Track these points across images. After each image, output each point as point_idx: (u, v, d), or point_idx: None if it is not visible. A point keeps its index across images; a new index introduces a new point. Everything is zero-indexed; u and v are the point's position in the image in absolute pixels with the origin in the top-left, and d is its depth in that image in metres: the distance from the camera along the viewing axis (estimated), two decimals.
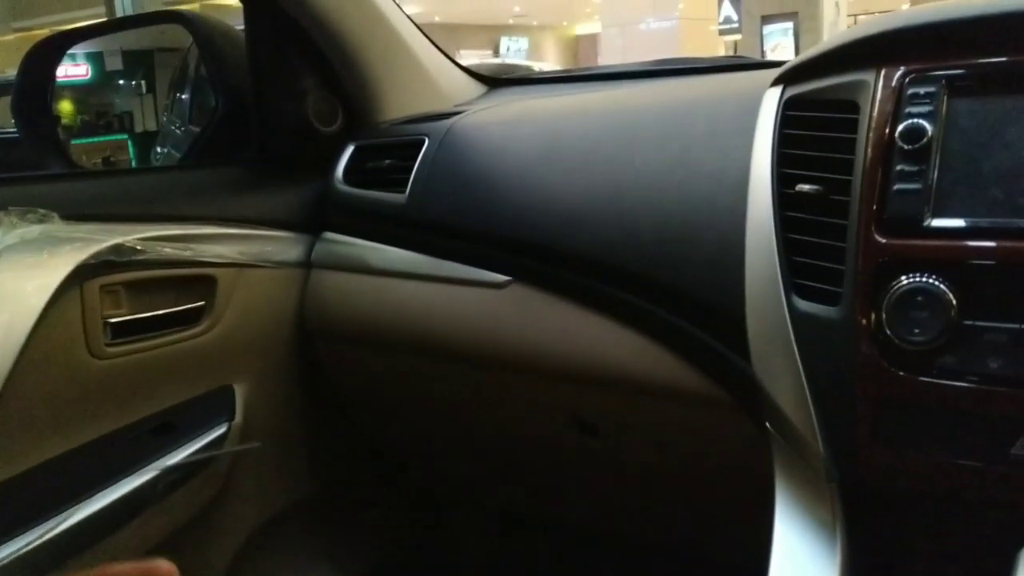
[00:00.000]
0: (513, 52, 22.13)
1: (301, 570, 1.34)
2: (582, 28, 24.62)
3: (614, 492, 1.17)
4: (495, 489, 1.39)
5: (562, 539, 1.53)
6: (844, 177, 0.77)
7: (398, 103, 1.31)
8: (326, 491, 1.37)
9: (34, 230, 0.94)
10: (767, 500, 0.80)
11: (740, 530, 0.93)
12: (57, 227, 0.96)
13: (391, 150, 1.22)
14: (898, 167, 0.74)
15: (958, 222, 0.71)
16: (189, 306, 1.08)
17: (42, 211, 0.95)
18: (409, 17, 1.36)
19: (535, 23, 23.90)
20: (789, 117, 0.85)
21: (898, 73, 0.77)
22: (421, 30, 1.39)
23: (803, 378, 0.76)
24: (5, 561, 0.86)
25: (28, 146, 1.45)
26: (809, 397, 0.76)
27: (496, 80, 1.54)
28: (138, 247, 1.01)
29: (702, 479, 1.02)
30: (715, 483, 1.01)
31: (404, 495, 1.50)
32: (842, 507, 0.75)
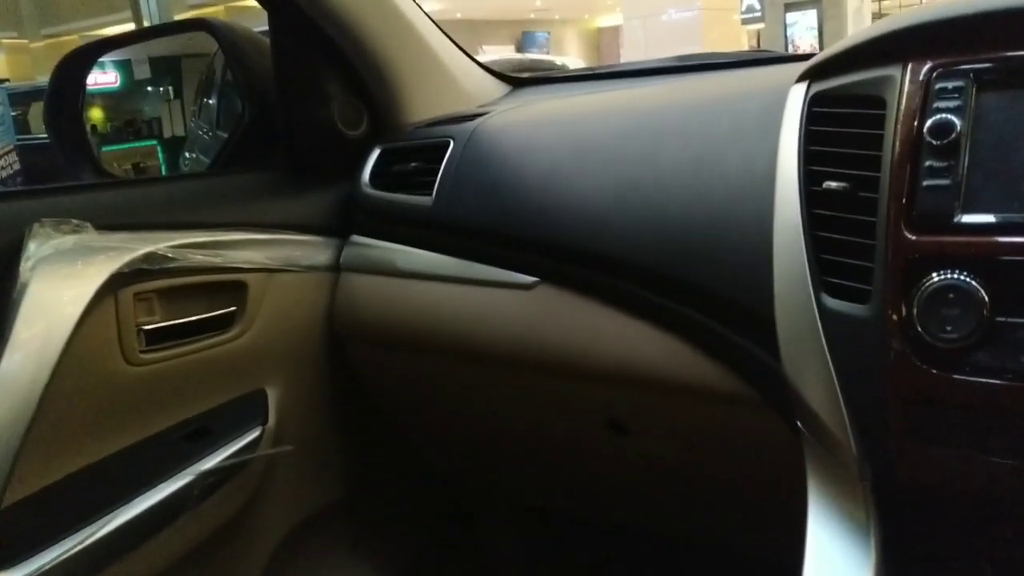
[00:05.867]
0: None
1: (337, 571, 1.36)
2: (604, 20, 24.53)
3: (646, 491, 1.17)
4: (527, 488, 1.40)
5: (594, 537, 1.54)
6: (872, 174, 0.77)
7: (423, 105, 1.32)
8: (359, 492, 1.38)
9: (68, 241, 0.95)
10: (800, 499, 0.79)
11: (773, 529, 0.93)
12: (91, 237, 0.97)
13: (416, 153, 1.23)
14: (927, 163, 0.73)
15: (989, 218, 0.70)
16: (221, 312, 1.10)
17: (76, 222, 0.97)
18: (431, 17, 1.36)
19: (556, 17, 23.86)
20: (815, 114, 0.84)
21: (925, 68, 0.76)
22: (443, 31, 1.39)
23: (834, 376, 0.76)
24: (47, 567, 0.88)
25: (60, 154, 1.47)
26: (840, 395, 0.76)
27: (519, 80, 1.54)
28: (169, 255, 1.02)
29: (733, 478, 1.02)
30: (747, 482, 1.01)
31: (436, 495, 1.51)
32: (875, 506, 0.75)
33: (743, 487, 1.02)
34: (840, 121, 0.82)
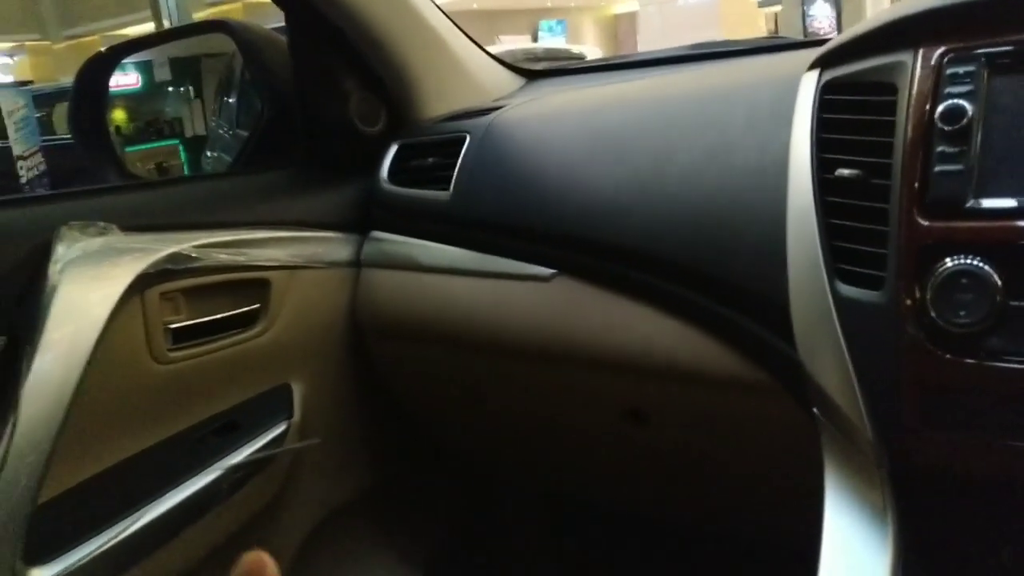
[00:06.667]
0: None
1: (364, 560, 1.38)
2: (620, 7, 24.38)
3: (664, 480, 1.18)
4: (547, 478, 1.41)
5: (612, 527, 1.55)
6: (884, 160, 0.77)
7: (439, 100, 1.33)
8: (384, 484, 1.40)
9: (95, 243, 0.97)
10: (817, 486, 0.80)
11: (790, 516, 0.93)
12: (117, 239, 0.99)
13: (434, 148, 1.24)
14: (939, 148, 0.73)
15: (1001, 203, 0.70)
16: (245, 309, 1.11)
17: (102, 224, 0.99)
18: (445, 13, 1.37)
19: (572, 4, 23.73)
20: (827, 101, 0.84)
21: (936, 53, 0.76)
22: (457, 25, 1.40)
23: (849, 363, 0.77)
24: (81, 563, 0.90)
25: (85, 156, 1.50)
26: (855, 382, 0.76)
27: (534, 72, 1.55)
28: (194, 254, 1.04)
29: (751, 466, 1.03)
30: (764, 469, 1.01)
31: (458, 485, 1.53)
32: (892, 492, 0.75)
33: (760, 475, 1.03)
34: (852, 108, 0.82)
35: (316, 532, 1.28)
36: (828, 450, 0.80)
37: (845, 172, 0.80)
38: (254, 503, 1.14)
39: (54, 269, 0.93)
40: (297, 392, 1.18)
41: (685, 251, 0.93)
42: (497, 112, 1.22)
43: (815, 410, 0.82)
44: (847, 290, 0.77)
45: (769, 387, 0.88)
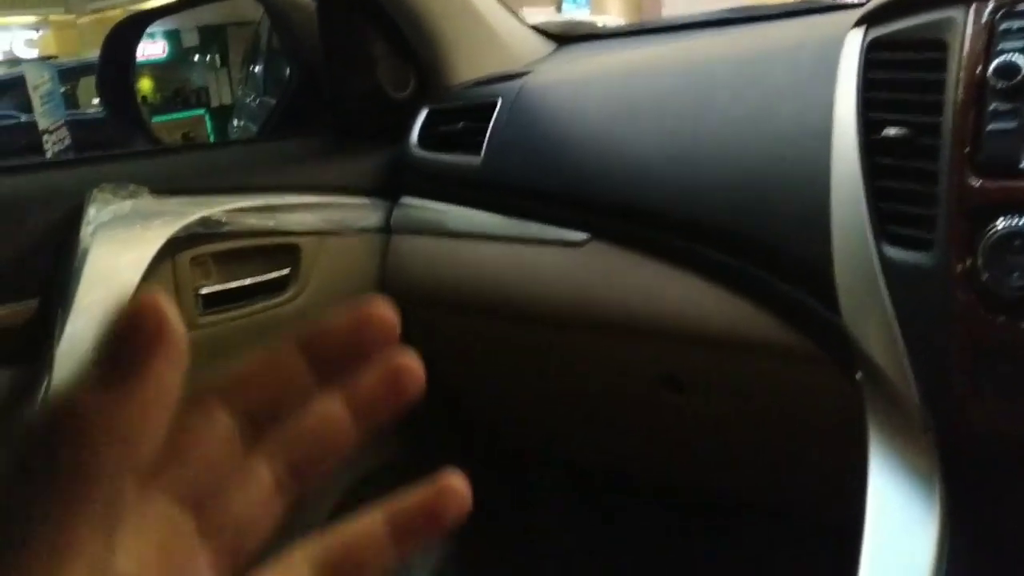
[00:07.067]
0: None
1: None
2: None
3: (699, 450, 1.16)
4: (579, 448, 1.40)
5: (644, 499, 1.54)
6: (933, 119, 0.75)
7: (468, 65, 1.31)
8: (412, 453, 1.40)
9: (126, 205, 0.97)
10: (857, 453, 0.79)
11: (830, 486, 0.92)
12: (147, 202, 0.99)
13: (464, 113, 1.22)
14: (991, 106, 0.71)
15: None
16: (275, 275, 1.11)
17: (132, 187, 0.99)
18: None
19: None
20: (873, 60, 0.82)
21: (988, 8, 0.74)
22: None
23: (896, 327, 0.75)
24: None
25: (114, 125, 1.50)
26: (903, 346, 0.75)
27: (564, 38, 1.53)
28: (224, 219, 1.04)
29: (790, 434, 1.01)
30: (803, 438, 1.00)
31: (488, 455, 1.52)
32: (940, 456, 0.74)
33: (799, 444, 1.01)
34: (899, 66, 0.80)
35: (345, 501, 1.28)
36: (872, 417, 0.79)
37: (892, 132, 0.77)
38: None
39: (86, 231, 0.93)
40: None
41: (723, 214, 0.91)
42: (528, 76, 1.20)
43: (859, 376, 0.80)
44: (895, 253, 0.76)
45: (808, 353, 0.87)
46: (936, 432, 0.74)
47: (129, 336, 0.23)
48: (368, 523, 0.30)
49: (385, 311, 0.30)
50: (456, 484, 0.31)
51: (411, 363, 0.31)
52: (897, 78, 0.80)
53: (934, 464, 0.74)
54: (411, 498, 0.30)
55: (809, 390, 0.91)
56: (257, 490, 0.29)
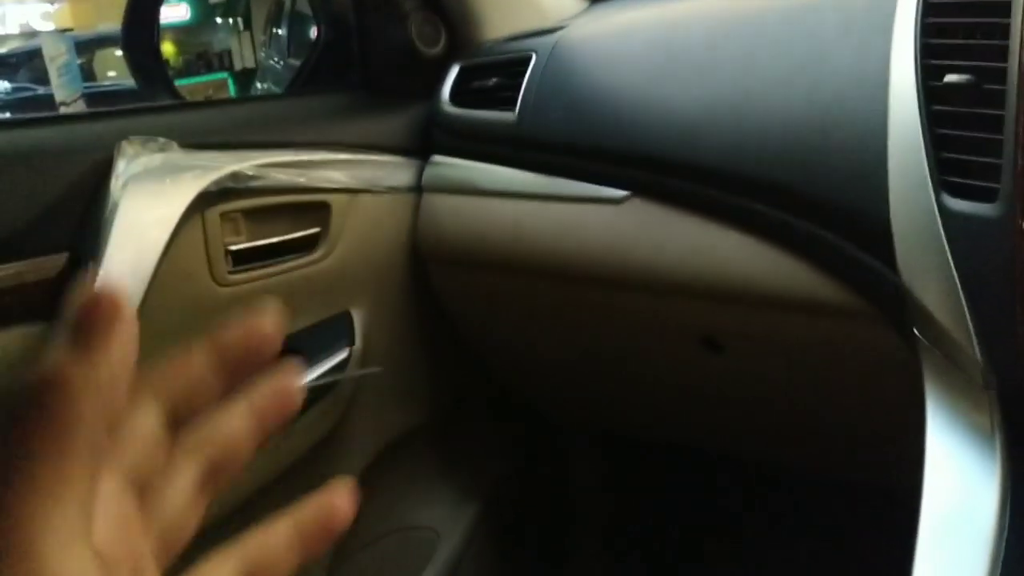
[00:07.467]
0: None
1: (422, 493, 1.36)
2: None
3: (741, 415, 1.14)
4: (614, 412, 1.38)
5: (683, 466, 1.52)
6: (998, 64, 0.71)
7: (501, 21, 1.28)
8: (444, 416, 1.38)
9: (156, 159, 0.95)
10: (910, 415, 0.76)
11: (882, 451, 0.89)
12: (177, 155, 0.97)
13: (497, 68, 1.19)
14: None
15: None
16: (305, 232, 1.09)
17: (162, 140, 0.96)
18: None
19: None
20: (932, 4, 0.79)
21: None
22: None
23: (957, 282, 0.72)
24: None
25: (142, 89, 1.47)
26: (964, 301, 0.72)
27: None
28: (254, 174, 1.01)
29: (838, 397, 0.99)
30: (852, 401, 0.97)
31: (520, 418, 1.50)
32: (1002, 415, 0.71)
33: (848, 407, 0.98)
34: (960, 10, 0.77)
35: (375, 463, 1.26)
36: (930, 374, 0.76)
37: (954, 78, 0.74)
38: (316, 431, 1.12)
39: (116, 185, 0.91)
40: (358, 320, 1.16)
41: (771, 167, 0.88)
42: (563, 31, 1.17)
43: (915, 332, 0.77)
44: (956, 204, 0.72)
45: (859, 309, 0.84)
46: (998, 389, 0.72)
47: (92, 310, 0.25)
48: (279, 530, 0.32)
49: (269, 324, 0.31)
50: (341, 498, 0.33)
51: (292, 386, 0.34)
52: (958, 23, 0.76)
53: (996, 423, 0.71)
54: (309, 508, 0.32)
55: (859, 349, 0.88)
56: (183, 487, 0.31)
